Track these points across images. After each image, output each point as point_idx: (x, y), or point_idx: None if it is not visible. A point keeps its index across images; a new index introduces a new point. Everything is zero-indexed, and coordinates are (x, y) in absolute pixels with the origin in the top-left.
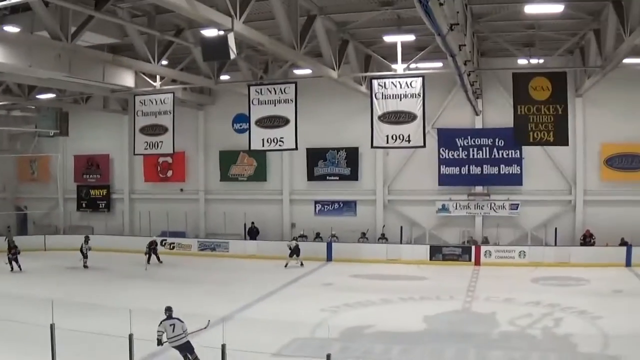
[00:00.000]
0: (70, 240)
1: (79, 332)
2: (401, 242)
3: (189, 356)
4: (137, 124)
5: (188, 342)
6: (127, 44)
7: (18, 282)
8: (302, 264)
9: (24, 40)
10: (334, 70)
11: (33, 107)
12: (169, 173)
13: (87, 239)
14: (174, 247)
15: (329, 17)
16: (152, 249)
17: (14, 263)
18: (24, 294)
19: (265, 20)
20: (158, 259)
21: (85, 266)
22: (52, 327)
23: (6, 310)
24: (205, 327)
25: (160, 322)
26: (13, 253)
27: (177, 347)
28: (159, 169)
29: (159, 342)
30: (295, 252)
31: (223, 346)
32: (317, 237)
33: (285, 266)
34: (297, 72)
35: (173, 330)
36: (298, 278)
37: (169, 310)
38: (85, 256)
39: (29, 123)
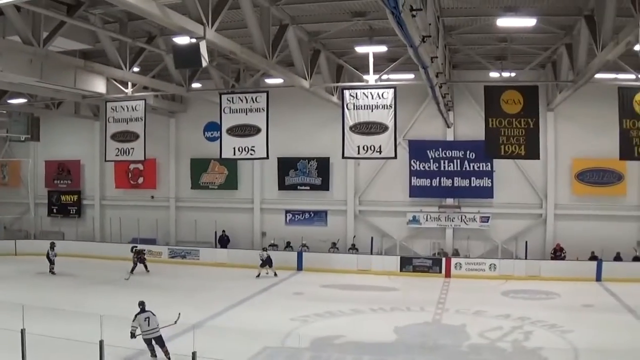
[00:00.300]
0: (41, 245)
1: (50, 338)
2: (372, 253)
3: (161, 349)
4: (108, 131)
5: (161, 335)
6: (99, 50)
7: None
8: (275, 274)
9: None
10: (306, 79)
11: (4, 111)
12: (140, 180)
13: (52, 245)
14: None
15: (301, 27)
16: (140, 257)
17: None
18: None
19: (237, 29)
20: (146, 267)
21: (52, 272)
22: (22, 332)
23: None
24: (175, 322)
25: (135, 316)
26: None
27: (150, 340)
28: (130, 175)
29: (132, 336)
30: (267, 262)
31: (194, 354)
32: (288, 246)
33: (257, 276)
34: (269, 81)
35: (148, 324)
36: (268, 287)
37: (142, 304)
38: (52, 262)
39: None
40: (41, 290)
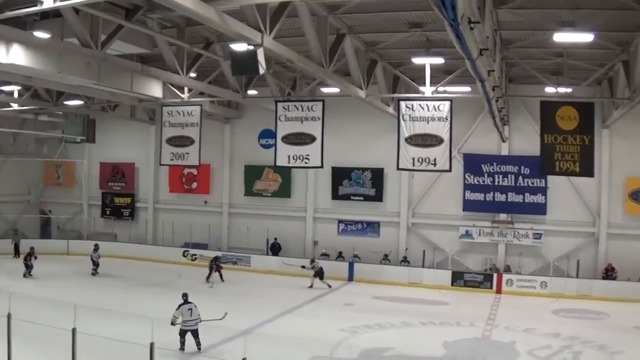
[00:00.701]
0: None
1: (100, 338)
2: (423, 266)
3: (194, 340)
4: (164, 135)
5: (197, 328)
6: (156, 54)
7: (39, 285)
8: (329, 286)
9: (54, 46)
10: (362, 89)
11: (61, 112)
12: (194, 185)
13: (96, 248)
14: (195, 259)
15: (358, 37)
16: (216, 265)
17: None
18: (45, 297)
19: (294, 37)
20: (221, 277)
21: (94, 274)
22: (73, 331)
23: (27, 311)
24: (221, 318)
25: (179, 306)
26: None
27: (186, 332)
28: (184, 180)
29: (173, 323)
30: (319, 274)
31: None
32: (340, 256)
33: (310, 287)
34: (325, 90)
35: (191, 315)
36: (319, 296)
37: (185, 295)
38: (95, 264)
39: (56, 128)
40: (92, 290)
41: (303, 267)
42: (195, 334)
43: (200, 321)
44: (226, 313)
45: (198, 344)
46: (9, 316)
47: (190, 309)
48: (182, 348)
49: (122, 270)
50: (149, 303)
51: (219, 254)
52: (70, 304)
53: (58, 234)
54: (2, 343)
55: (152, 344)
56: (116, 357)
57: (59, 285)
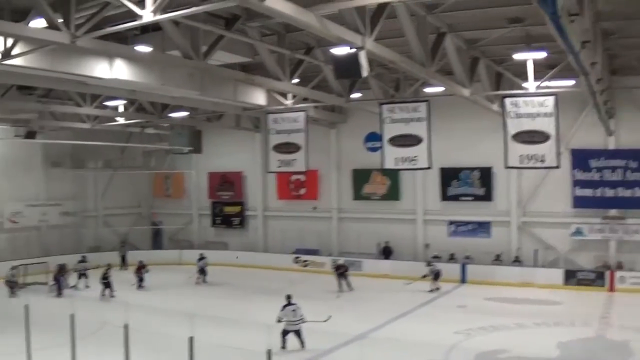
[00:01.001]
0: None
1: (216, 346)
2: (535, 266)
3: (298, 339)
4: (270, 142)
5: (300, 329)
6: (258, 62)
7: (153, 295)
8: (438, 288)
9: (156, 60)
10: (466, 88)
11: (166, 125)
12: (302, 191)
13: (201, 257)
14: (307, 265)
15: (459, 35)
16: (342, 273)
17: (138, 281)
18: (159, 306)
19: (395, 38)
20: (349, 285)
21: (198, 282)
22: (191, 339)
23: (143, 321)
24: (325, 320)
25: (283, 307)
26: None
27: (289, 332)
28: (292, 186)
29: (279, 321)
30: (437, 276)
31: None
32: (451, 258)
33: (431, 291)
34: (428, 90)
35: (294, 315)
36: (432, 299)
37: (289, 297)
38: (202, 273)
39: (162, 140)
40: (206, 299)
41: (425, 276)
42: (298, 333)
43: (304, 322)
44: (330, 316)
45: (301, 342)
46: (125, 326)
47: (294, 310)
48: (283, 347)
49: (234, 278)
50: (262, 310)
51: (341, 260)
52: (184, 313)
53: (169, 245)
54: (119, 352)
55: (269, 351)
56: None
57: (172, 294)
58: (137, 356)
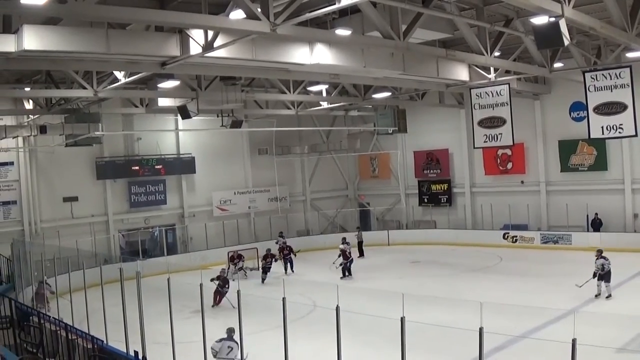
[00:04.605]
0: (413, 234)
1: (428, 325)
2: None
3: None
4: (475, 117)
5: None
6: (458, 37)
7: (363, 276)
8: None
9: (356, 42)
10: None
11: (370, 106)
12: (509, 165)
13: (343, 240)
14: (516, 240)
15: None
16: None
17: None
18: (369, 287)
19: (593, 4)
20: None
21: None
22: (402, 319)
23: (352, 303)
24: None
25: (220, 340)
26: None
27: None
28: (498, 161)
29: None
30: None
31: (574, 340)
32: None
33: None
34: (630, 55)
35: (227, 353)
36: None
37: (231, 331)
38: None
39: (366, 122)
40: (416, 278)
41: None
42: None
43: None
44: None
45: None
46: (337, 308)
47: (230, 348)
48: None
49: (445, 257)
50: (473, 289)
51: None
52: (393, 293)
53: (378, 225)
54: (330, 335)
55: (481, 329)
56: (443, 343)
57: (383, 275)
58: (348, 339)
